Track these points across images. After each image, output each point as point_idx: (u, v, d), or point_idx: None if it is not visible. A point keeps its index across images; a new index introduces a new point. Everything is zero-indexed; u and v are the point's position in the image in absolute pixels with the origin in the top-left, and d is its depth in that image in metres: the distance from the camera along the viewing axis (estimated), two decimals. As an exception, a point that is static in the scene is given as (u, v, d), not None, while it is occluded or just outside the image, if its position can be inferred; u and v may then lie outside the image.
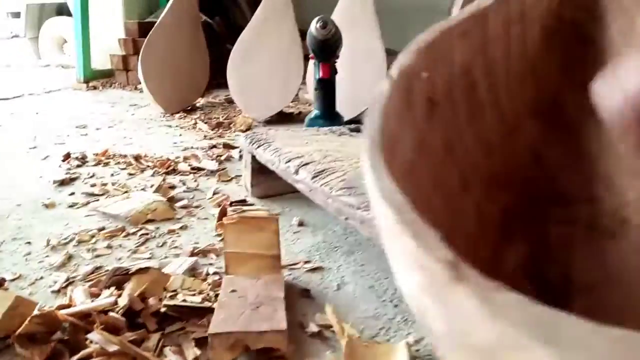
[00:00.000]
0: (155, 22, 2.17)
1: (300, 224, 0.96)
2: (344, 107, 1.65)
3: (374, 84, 1.80)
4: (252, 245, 0.74)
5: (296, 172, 0.89)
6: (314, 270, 0.80)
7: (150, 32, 2.10)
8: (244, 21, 2.05)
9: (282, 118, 1.89)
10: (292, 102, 2.00)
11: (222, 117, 1.94)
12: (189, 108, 2.09)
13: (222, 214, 0.94)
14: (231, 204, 1.05)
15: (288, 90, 1.90)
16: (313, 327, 0.64)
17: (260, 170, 1.08)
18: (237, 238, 0.74)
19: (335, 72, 1.43)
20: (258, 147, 1.05)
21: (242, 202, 1.07)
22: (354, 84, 1.75)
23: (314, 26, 1.34)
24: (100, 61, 2.84)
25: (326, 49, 1.37)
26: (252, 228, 0.75)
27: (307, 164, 0.89)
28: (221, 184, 1.19)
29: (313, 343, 0.62)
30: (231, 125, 1.80)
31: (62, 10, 3.80)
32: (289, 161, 0.93)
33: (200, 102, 2.22)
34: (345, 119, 1.61)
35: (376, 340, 0.62)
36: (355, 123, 1.45)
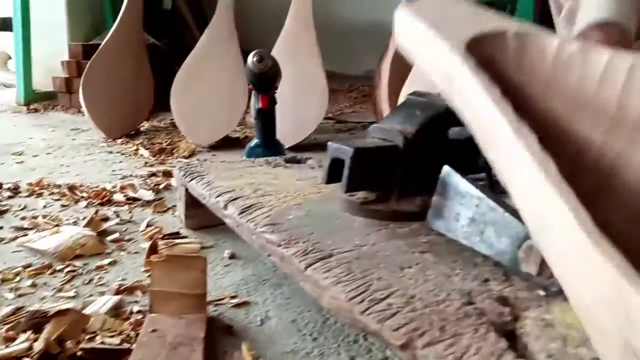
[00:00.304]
0: (100, 44, 2.15)
1: (232, 256, 0.98)
2: (287, 133, 1.69)
3: (316, 109, 1.85)
4: (178, 284, 0.75)
5: (225, 207, 0.90)
6: (239, 305, 0.81)
7: (94, 55, 2.08)
8: (195, 43, 2.06)
9: (227, 143, 1.90)
10: (238, 126, 2.02)
11: (166, 142, 1.93)
12: (132, 133, 2.08)
13: (152, 249, 0.95)
14: (163, 237, 1.06)
15: (233, 115, 1.91)
16: (230, 366, 0.66)
17: (193, 203, 1.09)
18: (164, 276, 0.75)
19: (275, 102, 1.46)
20: (191, 180, 1.06)
21: (175, 234, 1.08)
22: (297, 110, 1.79)
23: (250, 60, 1.37)
24: (43, 83, 2.78)
25: (264, 82, 1.41)
26: (180, 267, 0.76)
27: (236, 199, 0.91)
28: (157, 215, 1.20)
29: (229, 382, 0.64)
30: (174, 151, 1.80)
31: (7, 25, 3.68)
32: (219, 195, 0.94)
33: (145, 125, 2.21)
34: (288, 145, 1.64)
35: (291, 376, 0.65)
36: (294, 151, 1.49)
